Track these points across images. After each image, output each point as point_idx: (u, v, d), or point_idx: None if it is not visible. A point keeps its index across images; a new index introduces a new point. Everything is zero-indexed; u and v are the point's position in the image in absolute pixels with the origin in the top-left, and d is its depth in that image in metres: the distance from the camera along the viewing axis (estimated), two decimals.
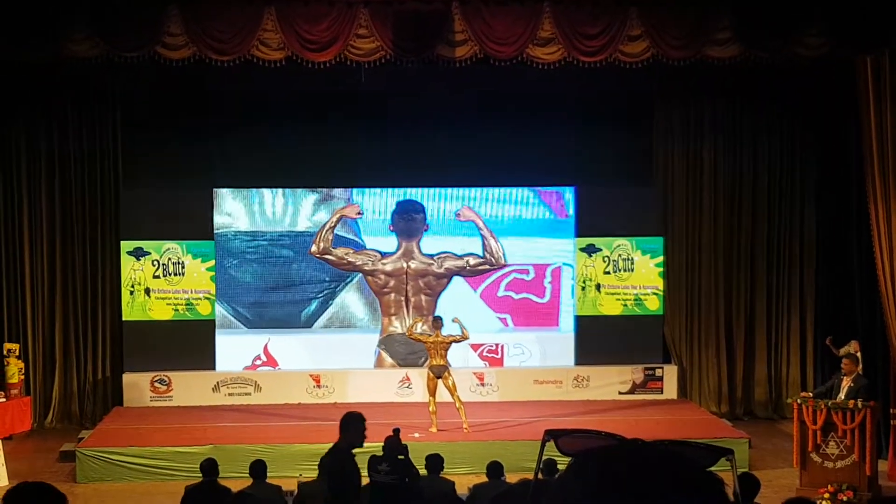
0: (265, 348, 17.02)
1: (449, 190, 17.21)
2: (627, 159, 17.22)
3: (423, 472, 10.14)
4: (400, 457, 9.64)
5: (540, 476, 5.56)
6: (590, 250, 17.14)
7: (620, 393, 16.88)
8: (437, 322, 14.70)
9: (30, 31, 13.27)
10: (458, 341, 14.48)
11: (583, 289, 17.18)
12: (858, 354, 13.69)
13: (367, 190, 17.10)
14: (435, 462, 10.16)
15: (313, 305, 17.19)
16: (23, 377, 16.09)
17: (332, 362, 16.91)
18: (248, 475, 9.97)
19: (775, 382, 17.35)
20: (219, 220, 16.96)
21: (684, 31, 14.07)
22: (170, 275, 16.66)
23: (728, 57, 14.34)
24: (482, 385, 16.74)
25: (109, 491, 13.16)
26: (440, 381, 14.26)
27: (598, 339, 16.98)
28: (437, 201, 17.23)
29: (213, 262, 16.75)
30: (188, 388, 16.46)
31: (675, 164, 17.23)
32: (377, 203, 17.23)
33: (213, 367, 16.73)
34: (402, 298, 17.18)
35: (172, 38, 13.85)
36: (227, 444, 13.65)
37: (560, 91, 16.43)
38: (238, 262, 17.09)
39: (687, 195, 17.24)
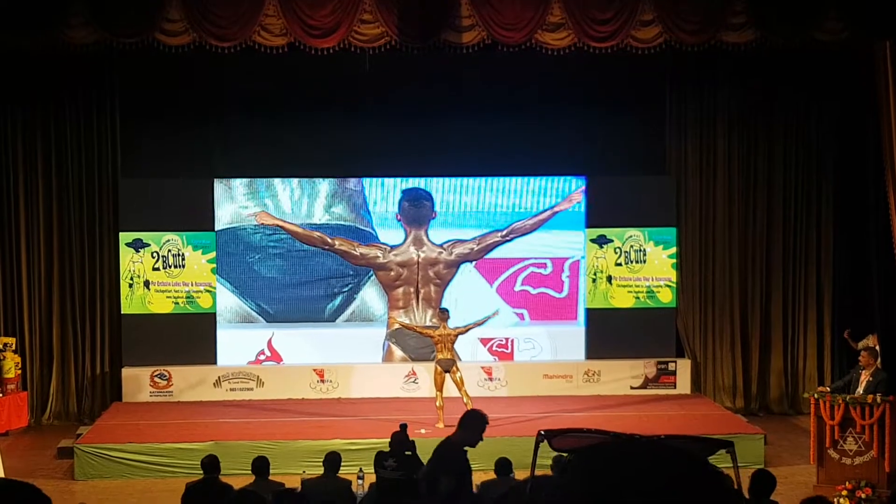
0: (269, 343, 17.03)
1: (458, 180, 17.17)
2: (639, 148, 17.20)
3: None
4: (407, 452, 9.65)
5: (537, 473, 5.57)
6: (601, 241, 17.12)
7: (632, 388, 16.87)
8: (444, 314, 14.68)
9: (25, 17, 13.27)
10: (464, 332, 14.46)
11: (593, 281, 17.16)
12: (877, 348, 13.69)
13: (374, 180, 17.07)
14: None
15: (338, 300, 17.17)
16: (19, 372, 16.14)
17: (339, 357, 16.91)
18: (250, 472, 9.98)
19: (791, 377, 17.33)
20: (233, 211, 16.89)
21: (698, 15, 14.05)
22: (170, 267, 16.68)
23: (743, 42, 14.32)
24: (490, 380, 16.74)
25: (108, 488, 13.17)
26: (448, 376, 14.26)
27: (610, 333, 16.97)
28: (447, 192, 17.15)
29: (213, 254, 16.75)
30: (189, 383, 16.48)
31: (688, 153, 17.19)
32: (385, 193, 17.17)
33: (214, 362, 16.75)
34: (413, 290, 17.16)
35: (172, 24, 13.87)
36: (228, 440, 13.65)
37: (570, 78, 16.39)
38: (261, 257, 17.03)
39: (700, 184, 17.20)
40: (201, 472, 9.80)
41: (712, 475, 2.08)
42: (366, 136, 16.69)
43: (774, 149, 17.14)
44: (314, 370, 16.67)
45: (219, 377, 16.58)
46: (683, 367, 17.02)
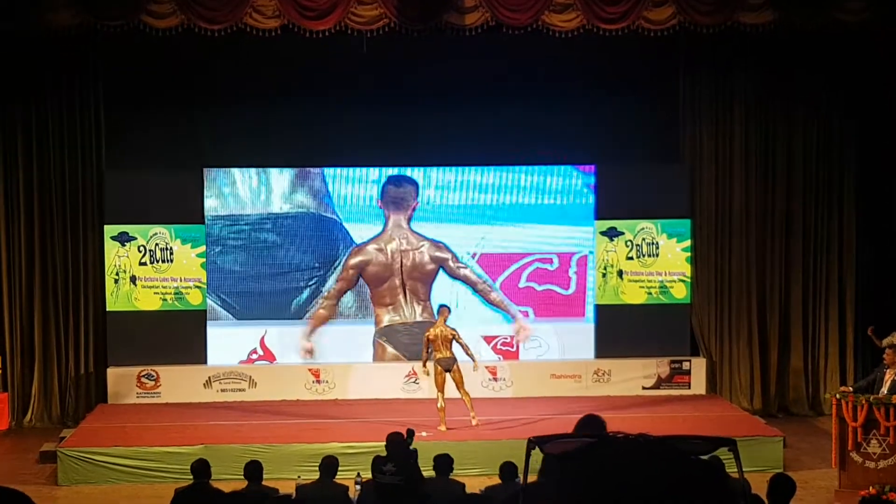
0: (262, 341, 17.02)
1: (457, 170, 17.13)
2: (652, 136, 17.18)
3: (431, 473, 10.13)
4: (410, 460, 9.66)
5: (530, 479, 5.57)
6: (611, 234, 17.10)
7: (644, 388, 16.86)
8: (444, 311, 14.65)
9: None
10: (460, 342, 14.37)
11: (603, 276, 17.14)
12: None
13: (368, 169, 17.03)
14: (444, 463, 10.15)
15: (304, 294, 17.13)
16: (0, 372, 16.13)
17: (328, 355, 16.89)
18: (242, 477, 9.97)
19: (812, 376, 17.31)
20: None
21: None
22: (157, 261, 16.66)
23: (761, 23, 14.30)
24: (495, 380, 16.73)
25: (93, 494, 13.17)
26: (448, 375, 14.25)
27: (621, 330, 16.95)
28: (444, 185, 17.12)
29: (203, 248, 16.74)
30: (177, 383, 16.48)
31: (703, 141, 17.16)
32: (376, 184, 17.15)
33: (204, 361, 16.75)
34: (398, 283, 17.08)
35: (159, 6, 13.86)
36: (219, 443, 13.66)
37: (578, 62, 16.36)
38: (221, 250, 16.98)
39: (716, 174, 17.17)
40: (191, 477, 9.78)
41: (712, 476, 2.07)
42: (363, 123, 16.69)
43: (794, 136, 17.10)
44: (309, 370, 16.67)
45: (209, 377, 16.57)
46: (698, 367, 17.00)
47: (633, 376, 16.89)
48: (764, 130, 17.10)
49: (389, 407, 15.69)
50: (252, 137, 16.80)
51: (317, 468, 10.28)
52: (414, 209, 17.02)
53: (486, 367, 16.65)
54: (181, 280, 16.75)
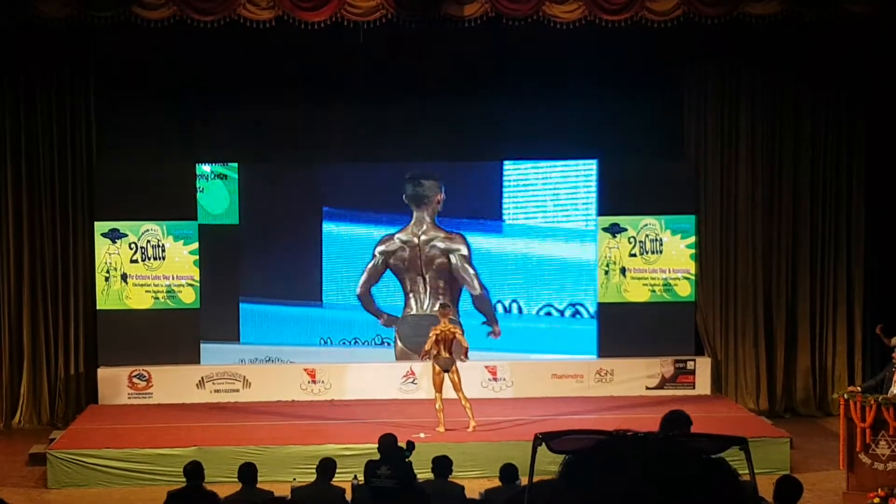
0: None
1: (457, 164, 17.17)
2: (656, 130, 17.18)
3: (430, 475, 10.15)
4: (408, 459, 9.67)
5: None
6: (614, 230, 17.11)
7: (648, 388, 16.87)
8: (444, 310, 14.67)
9: None
10: (459, 337, 14.38)
11: (606, 273, 17.15)
12: None
13: (365, 165, 17.05)
14: (443, 465, 10.17)
15: None
16: None
17: (333, 352, 16.94)
18: (236, 480, 9.99)
19: (820, 376, 17.33)
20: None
21: None
22: (149, 259, 16.67)
23: (768, 15, 14.30)
24: (495, 380, 16.74)
25: (83, 497, 13.19)
26: (447, 376, 14.27)
27: (624, 329, 16.97)
28: (444, 178, 17.17)
29: (196, 245, 16.74)
30: (170, 383, 16.48)
31: (708, 135, 17.17)
32: (377, 178, 17.15)
33: (197, 361, 16.75)
34: (418, 276, 17.13)
35: None
36: (213, 445, 13.66)
37: (580, 54, 16.36)
38: None
39: (721, 169, 17.18)
40: (184, 479, 9.81)
41: (725, 476, 2.08)
42: (360, 117, 16.72)
43: (801, 130, 17.11)
44: (305, 370, 16.67)
45: (202, 377, 16.58)
46: (703, 366, 17.02)
47: (637, 376, 16.90)
48: (770, 125, 17.10)
49: (386, 408, 15.71)
50: (247, 132, 16.80)
51: (313, 470, 10.31)
52: (439, 202, 17.04)
53: (486, 367, 16.67)
54: (173, 278, 16.76)
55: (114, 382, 16.42)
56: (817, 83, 17.00)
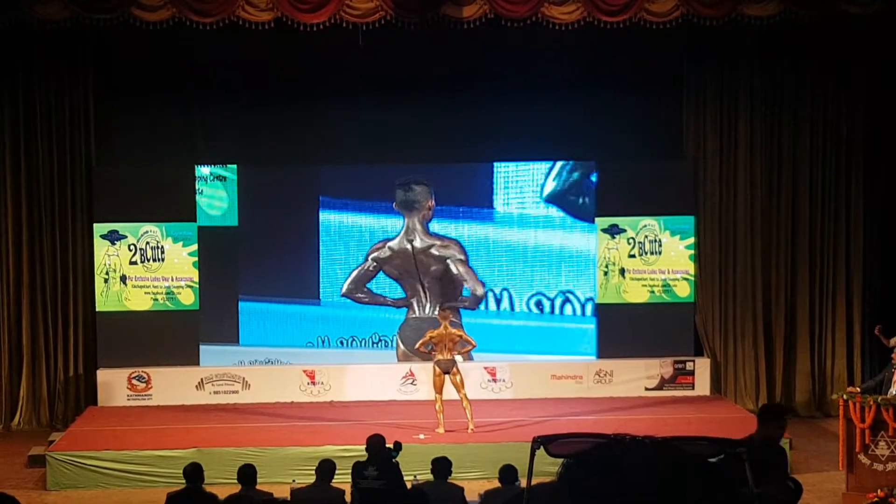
0: None
1: (456, 166, 17.18)
2: (654, 131, 17.19)
3: (430, 476, 10.17)
4: (395, 460, 9.67)
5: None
6: (613, 231, 17.12)
7: (647, 389, 16.88)
8: (445, 313, 14.69)
9: None
10: (465, 341, 14.41)
11: (605, 274, 17.16)
12: None
13: (364, 167, 17.05)
14: (442, 466, 10.18)
15: None
16: None
17: (333, 351, 16.95)
18: (235, 481, 10.00)
19: (819, 377, 17.34)
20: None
21: None
22: (148, 261, 16.69)
23: (767, 15, 14.31)
24: (494, 381, 16.76)
25: (83, 499, 13.20)
26: (447, 377, 14.28)
27: (623, 330, 16.98)
28: (443, 179, 17.18)
29: (195, 247, 16.75)
30: (169, 385, 16.49)
31: (707, 137, 17.18)
32: (377, 181, 17.15)
33: (196, 363, 16.76)
34: (416, 282, 17.16)
35: None
36: (212, 446, 13.67)
37: (579, 56, 16.38)
38: None
39: (720, 170, 17.19)
40: (183, 481, 9.82)
41: (723, 480, 2.10)
42: (359, 120, 16.70)
43: (800, 131, 17.12)
44: (304, 371, 16.68)
45: (202, 379, 16.59)
46: (702, 367, 17.03)
47: (636, 377, 16.91)
48: (769, 126, 17.11)
49: (386, 409, 15.71)
50: (246, 134, 16.81)
51: (312, 472, 10.31)
52: (430, 209, 17.06)
53: (486, 368, 16.69)
54: (172, 279, 16.77)
55: (113, 384, 16.43)
56: (816, 83, 17.01)
